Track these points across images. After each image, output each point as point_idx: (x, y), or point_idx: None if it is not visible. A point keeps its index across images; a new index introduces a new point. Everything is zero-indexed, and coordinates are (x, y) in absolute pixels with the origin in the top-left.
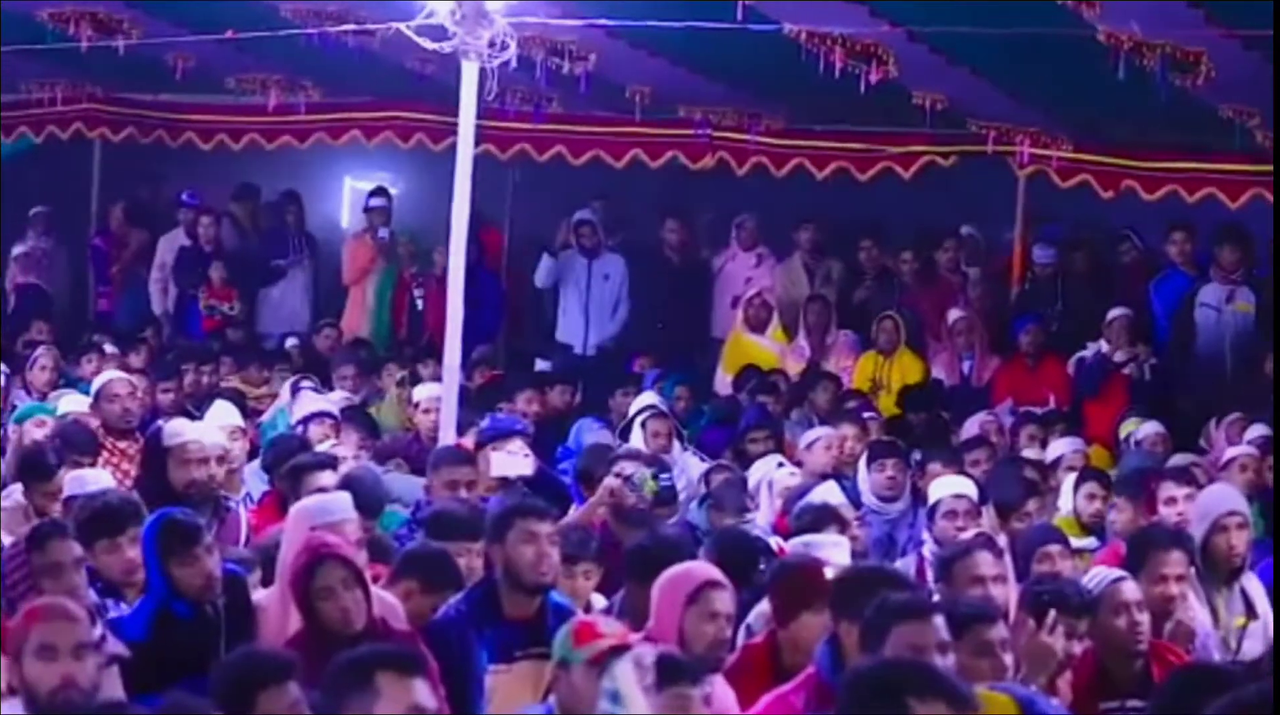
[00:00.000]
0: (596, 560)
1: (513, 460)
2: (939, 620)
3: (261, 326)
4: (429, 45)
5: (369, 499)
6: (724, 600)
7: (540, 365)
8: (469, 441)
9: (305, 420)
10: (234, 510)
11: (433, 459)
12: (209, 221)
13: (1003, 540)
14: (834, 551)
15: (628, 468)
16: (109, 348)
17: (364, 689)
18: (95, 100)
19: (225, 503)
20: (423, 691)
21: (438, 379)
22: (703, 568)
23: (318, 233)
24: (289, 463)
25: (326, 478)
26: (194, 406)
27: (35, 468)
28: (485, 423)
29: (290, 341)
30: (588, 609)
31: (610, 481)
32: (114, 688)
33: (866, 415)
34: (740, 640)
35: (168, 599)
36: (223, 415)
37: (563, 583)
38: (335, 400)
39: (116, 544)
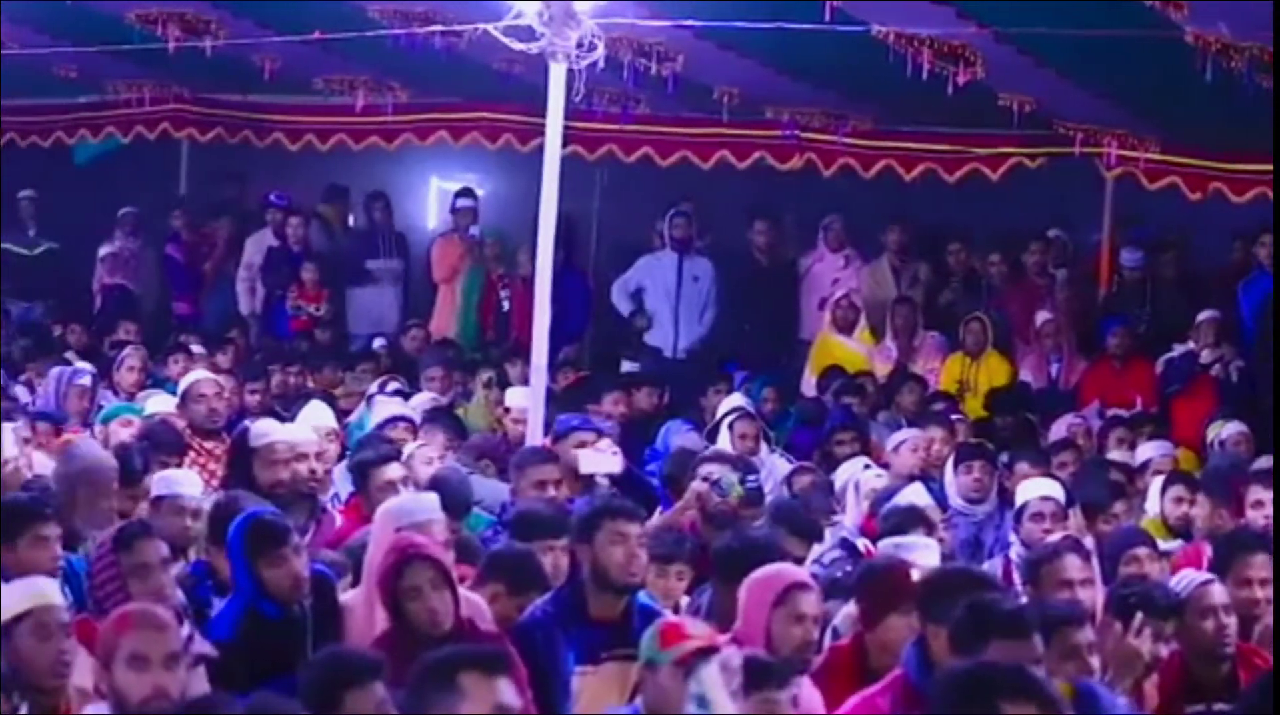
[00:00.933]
0: (690, 561)
1: (601, 457)
2: (1038, 639)
3: (350, 327)
4: (516, 46)
5: (456, 500)
6: (811, 602)
7: (627, 367)
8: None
9: (383, 424)
10: (330, 511)
11: (517, 459)
12: (298, 222)
13: (1090, 542)
14: (921, 554)
15: (714, 471)
16: (196, 348)
17: (449, 689)
18: (182, 101)
19: (321, 503)
20: (507, 691)
21: (525, 380)
22: (790, 570)
23: (404, 233)
24: (354, 459)
25: (394, 471)
26: (281, 407)
27: (122, 469)
28: (558, 421)
29: (378, 342)
30: (676, 610)
31: (697, 485)
32: (201, 688)
33: (953, 417)
34: (827, 642)
35: (255, 599)
36: (316, 415)
37: (655, 583)
38: (422, 402)
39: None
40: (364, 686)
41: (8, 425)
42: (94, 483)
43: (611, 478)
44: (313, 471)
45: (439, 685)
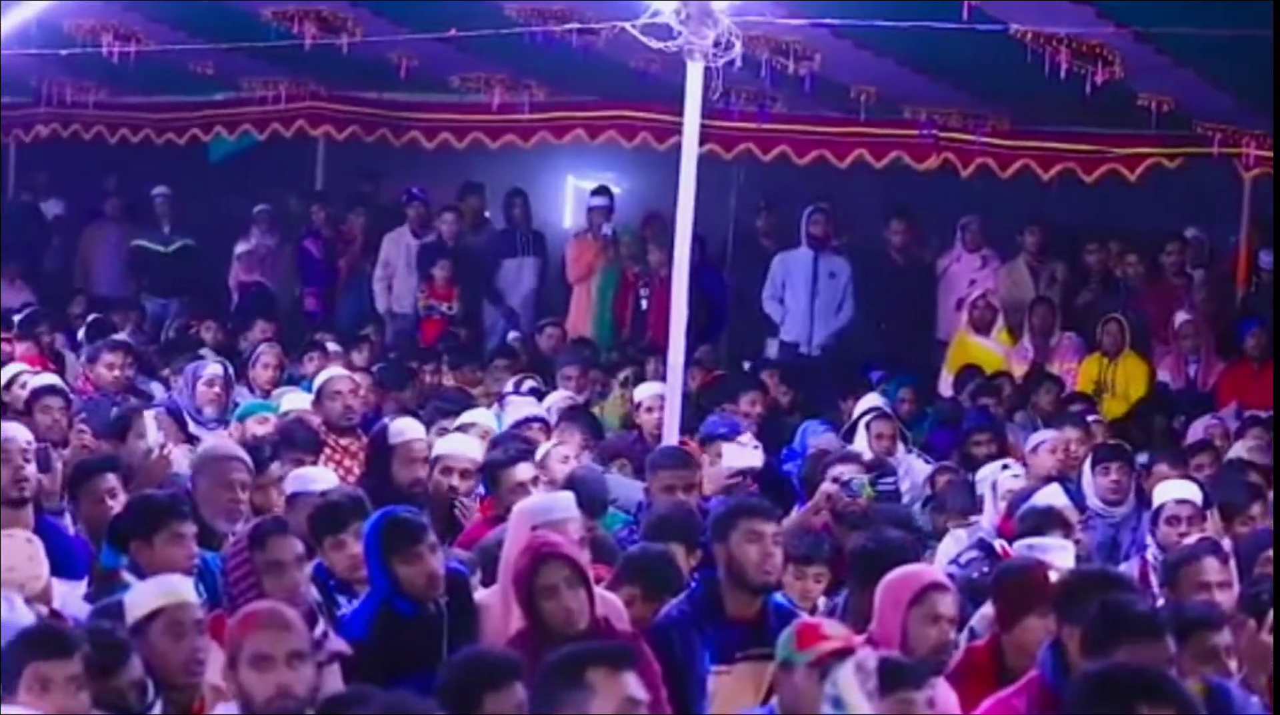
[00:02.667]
0: (827, 563)
1: (743, 452)
2: (1169, 641)
3: (488, 325)
4: (654, 45)
5: (592, 499)
6: (947, 603)
7: (763, 366)
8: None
9: (517, 424)
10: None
11: (652, 460)
12: (451, 218)
13: (1227, 544)
14: (1056, 555)
15: (844, 472)
16: (331, 346)
17: (577, 686)
18: (318, 98)
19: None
20: (635, 686)
21: (661, 378)
22: (927, 571)
23: (541, 232)
24: (485, 460)
25: (524, 472)
26: (417, 405)
27: (259, 466)
28: (705, 425)
29: (512, 335)
30: (814, 611)
31: (827, 486)
32: (335, 685)
33: (1090, 418)
34: (964, 643)
35: (390, 597)
36: (478, 415)
37: (793, 585)
38: (557, 400)
39: (341, 540)
40: (504, 688)
41: (149, 412)
42: (223, 480)
43: (752, 474)
44: (466, 490)
45: (567, 682)
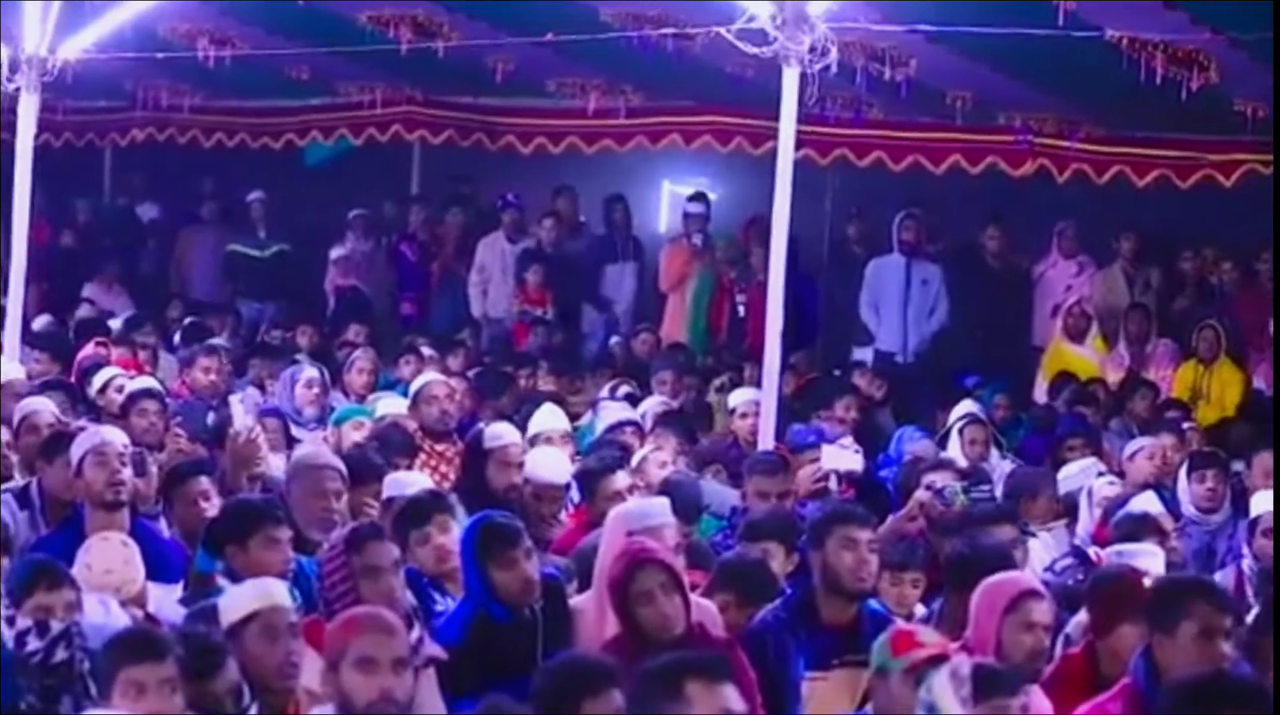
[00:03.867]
0: (924, 569)
1: (844, 455)
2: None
3: (586, 330)
4: (749, 50)
5: (686, 504)
6: (1042, 610)
7: (857, 372)
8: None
9: (610, 429)
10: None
11: (748, 466)
12: (550, 223)
13: None
14: (1147, 561)
15: (938, 479)
16: (427, 351)
17: (675, 697)
18: (414, 103)
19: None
20: (733, 697)
21: (756, 384)
22: (1022, 578)
23: (639, 238)
24: (579, 466)
25: (620, 481)
26: (513, 410)
27: (358, 471)
28: (791, 433)
29: (614, 340)
30: (909, 618)
31: (920, 494)
32: (430, 690)
33: (1186, 426)
34: (1059, 650)
35: (486, 602)
36: (548, 420)
37: (889, 591)
38: (652, 406)
39: (426, 533)
40: (600, 694)
41: (235, 397)
42: (316, 489)
43: (849, 479)
44: (552, 512)
45: (665, 692)
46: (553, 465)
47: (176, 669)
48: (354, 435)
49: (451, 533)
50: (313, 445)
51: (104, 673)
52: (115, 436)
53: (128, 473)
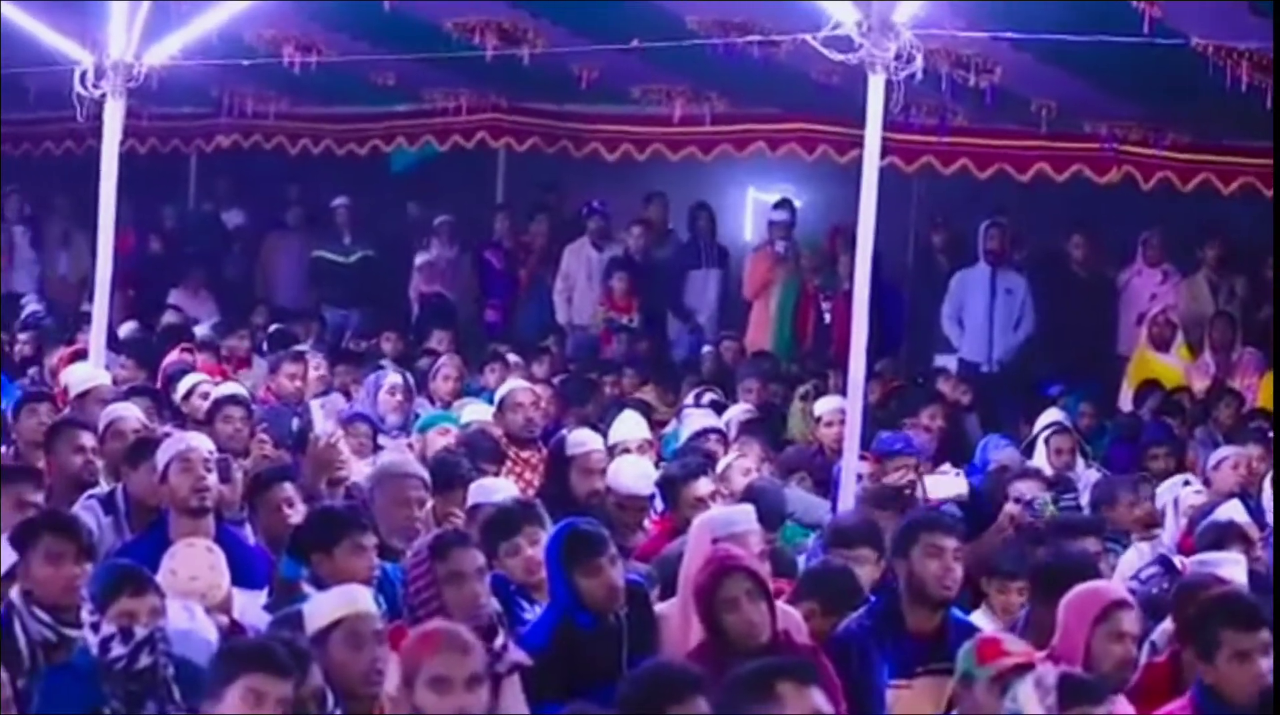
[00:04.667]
0: (1027, 576)
1: (947, 481)
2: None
3: (672, 337)
4: (835, 57)
5: (771, 511)
6: (1131, 620)
7: (942, 378)
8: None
9: (694, 437)
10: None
11: (859, 500)
12: (639, 231)
13: None
14: (1233, 570)
15: (1025, 490)
16: (512, 358)
17: (766, 698)
18: (499, 109)
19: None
20: (821, 700)
21: (841, 392)
22: (1112, 588)
23: (725, 246)
24: (662, 473)
25: (703, 487)
26: (597, 417)
27: (444, 478)
28: (876, 441)
29: (705, 349)
30: (1013, 627)
31: (1010, 507)
32: (515, 697)
33: (1271, 434)
34: (1144, 659)
35: (571, 609)
36: (629, 428)
37: (996, 598)
38: (737, 413)
39: (516, 545)
40: (686, 700)
41: (316, 402)
42: (400, 497)
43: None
44: (635, 521)
45: (755, 695)
46: (635, 475)
47: (293, 691)
48: (439, 442)
49: (541, 544)
50: (397, 453)
51: (221, 674)
52: (201, 442)
53: (213, 479)
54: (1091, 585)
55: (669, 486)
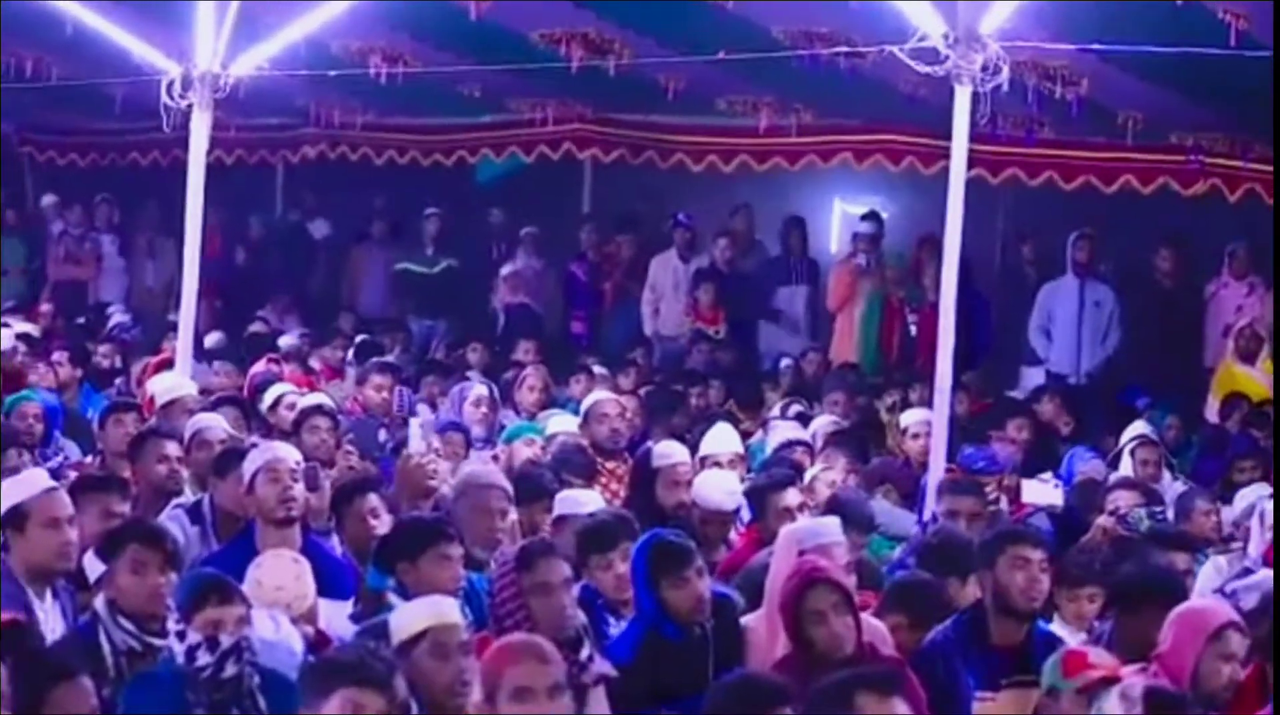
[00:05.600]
0: (1100, 584)
1: (1044, 489)
2: None
3: (762, 348)
4: (922, 69)
5: (857, 521)
6: (1239, 642)
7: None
8: None
9: (780, 448)
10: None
11: (939, 485)
12: (725, 242)
13: None
14: None
15: (1121, 504)
16: (598, 369)
17: (846, 710)
18: (585, 120)
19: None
20: (903, 711)
21: (926, 403)
22: (1224, 608)
23: (815, 259)
24: (750, 484)
25: (791, 497)
26: (684, 429)
27: (530, 488)
28: (962, 454)
29: (785, 362)
30: (1090, 632)
31: (1104, 519)
32: (601, 708)
33: None
34: None
35: (657, 621)
36: (721, 439)
37: (1067, 606)
38: (822, 425)
39: (609, 560)
40: (771, 713)
41: (415, 420)
42: (483, 508)
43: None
44: (721, 539)
45: (837, 706)
46: (719, 490)
47: (388, 705)
48: (525, 452)
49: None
50: (480, 463)
51: (318, 686)
52: (288, 453)
53: (300, 489)
54: (1205, 604)
55: (757, 497)
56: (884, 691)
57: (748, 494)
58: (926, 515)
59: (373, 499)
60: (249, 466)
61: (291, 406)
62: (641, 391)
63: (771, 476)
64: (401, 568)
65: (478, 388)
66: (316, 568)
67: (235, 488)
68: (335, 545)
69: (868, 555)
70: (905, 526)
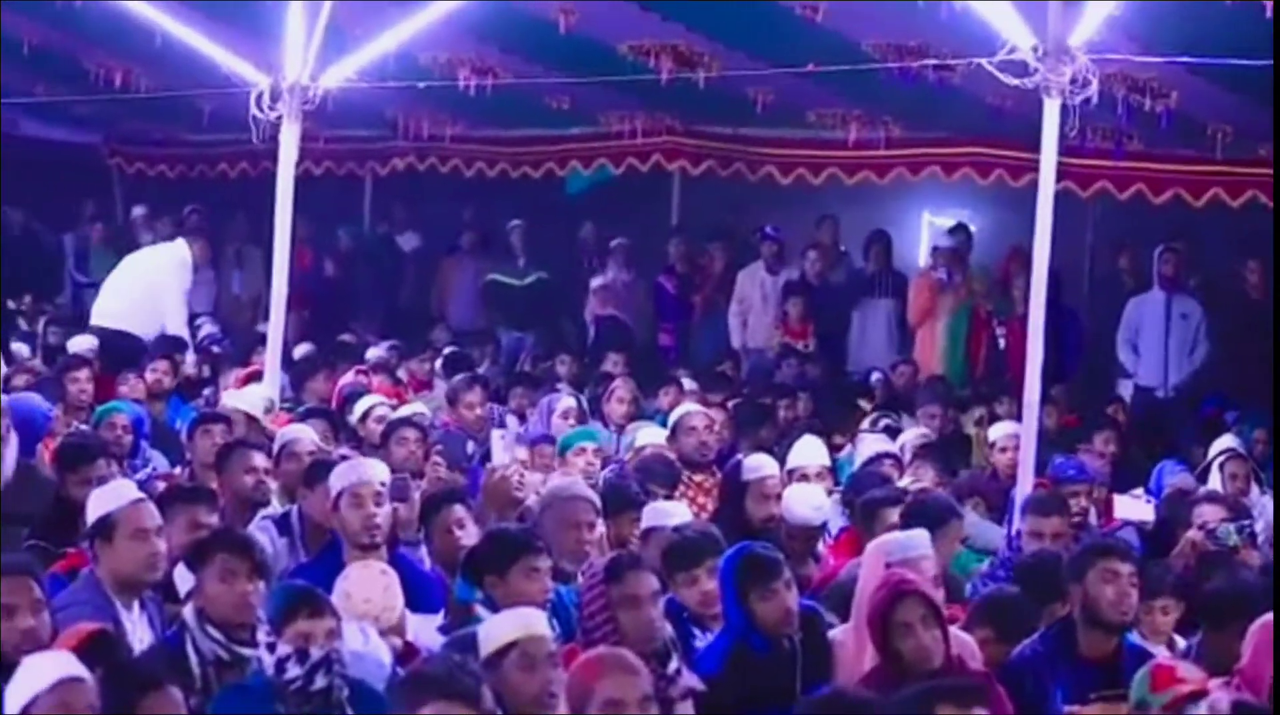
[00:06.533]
0: (1175, 596)
1: (1135, 504)
2: None
3: (850, 362)
4: (1010, 81)
5: (941, 514)
6: None
7: (1110, 407)
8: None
9: (870, 461)
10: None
11: (1024, 504)
12: (814, 255)
13: None
14: None
15: (1209, 518)
16: (687, 381)
17: None
18: (674, 133)
19: None
20: None
21: (1014, 417)
22: None
23: (902, 272)
24: (862, 498)
25: (892, 516)
26: (773, 441)
27: (618, 501)
28: (1051, 466)
29: (875, 376)
30: (1171, 646)
31: (1192, 534)
32: None
33: None
34: None
35: (745, 633)
36: (809, 453)
37: (1142, 619)
38: (911, 438)
39: (695, 576)
40: None
41: (497, 432)
42: (569, 520)
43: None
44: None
45: None
46: (806, 505)
47: None
48: (578, 462)
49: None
50: (566, 476)
51: (407, 699)
52: (373, 474)
53: (385, 511)
54: None
55: (868, 511)
56: (963, 703)
57: (860, 506)
58: (1014, 530)
59: (459, 510)
60: (335, 483)
61: (380, 419)
62: (730, 404)
63: (884, 492)
64: (490, 580)
65: (565, 400)
66: (404, 580)
67: (323, 500)
68: (424, 556)
69: (954, 570)
70: (993, 540)
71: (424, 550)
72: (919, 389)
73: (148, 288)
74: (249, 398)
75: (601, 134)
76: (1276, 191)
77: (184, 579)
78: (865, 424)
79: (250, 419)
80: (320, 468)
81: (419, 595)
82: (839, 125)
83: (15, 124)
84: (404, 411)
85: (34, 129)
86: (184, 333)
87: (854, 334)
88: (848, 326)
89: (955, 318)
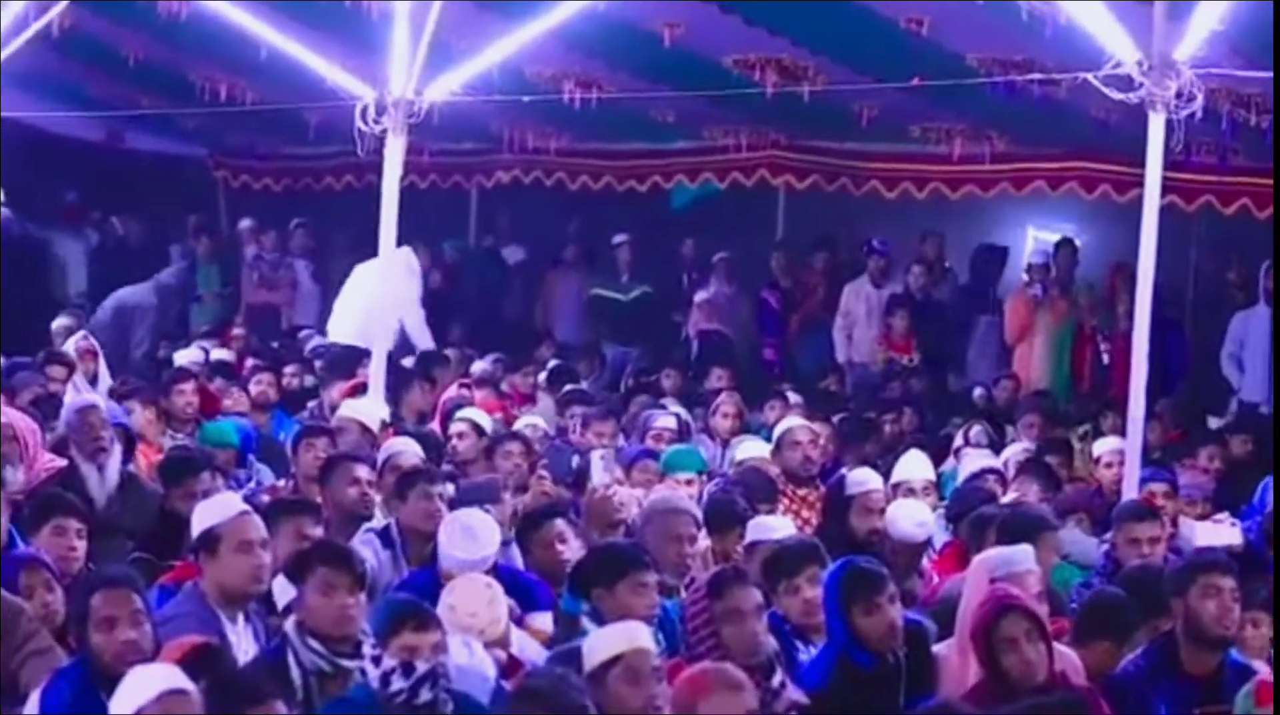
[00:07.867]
0: (1264, 608)
1: (1218, 529)
2: None
3: (963, 376)
4: (1115, 96)
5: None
6: None
7: (1214, 422)
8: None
9: (973, 476)
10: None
11: (1116, 513)
12: (920, 270)
13: None
14: None
15: None
16: (792, 396)
17: None
18: (779, 147)
19: None
20: None
21: (1118, 432)
22: None
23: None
24: (973, 514)
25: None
26: (877, 456)
27: (721, 515)
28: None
29: (978, 392)
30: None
31: None
32: None
33: None
34: None
35: (849, 648)
36: (913, 468)
37: (1238, 635)
38: (1013, 453)
39: (795, 585)
40: None
41: (596, 453)
42: (670, 534)
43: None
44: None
45: None
46: (910, 521)
47: None
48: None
49: (821, 586)
50: (667, 490)
51: (514, 710)
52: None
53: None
54: None
55: (975, 525)
56: None
57: (965, 523)
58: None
59: (560, 524)
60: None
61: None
62: (835, 419)
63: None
64: (597, 594)
65: (663, 418)
66: (508, 587)
67: (417, 506)
68: (515, 556)
69: (1055, 583)
70: (1094, 555)
71: (515, 549)
72: (1018, 404)
73: (378, 299)
74: (367, 409)
75: (706, 148)
76: (1277, 193)
77: (283, 591)
78: (959, 440)
79: (365, 430)
80: (413, 476)
81: (525, 597)
82: (943, 140)
83: (121, 137)
84: (517, 425)
85: (140, 142)
86: (428, 341)
87: (971, 349)
88: (951, 341)
89: (1060, 333)
